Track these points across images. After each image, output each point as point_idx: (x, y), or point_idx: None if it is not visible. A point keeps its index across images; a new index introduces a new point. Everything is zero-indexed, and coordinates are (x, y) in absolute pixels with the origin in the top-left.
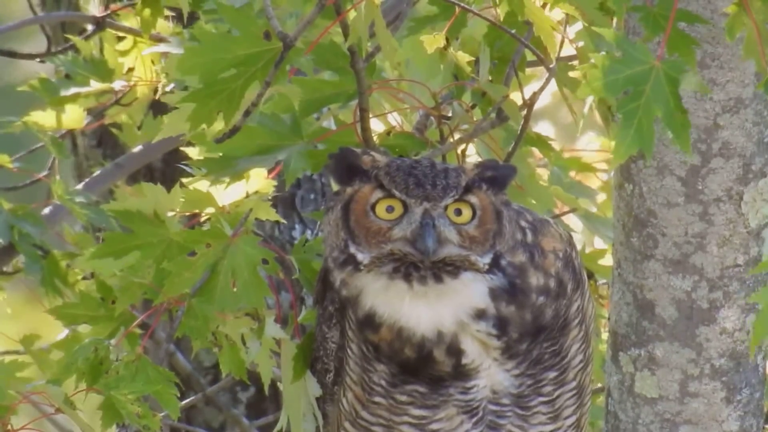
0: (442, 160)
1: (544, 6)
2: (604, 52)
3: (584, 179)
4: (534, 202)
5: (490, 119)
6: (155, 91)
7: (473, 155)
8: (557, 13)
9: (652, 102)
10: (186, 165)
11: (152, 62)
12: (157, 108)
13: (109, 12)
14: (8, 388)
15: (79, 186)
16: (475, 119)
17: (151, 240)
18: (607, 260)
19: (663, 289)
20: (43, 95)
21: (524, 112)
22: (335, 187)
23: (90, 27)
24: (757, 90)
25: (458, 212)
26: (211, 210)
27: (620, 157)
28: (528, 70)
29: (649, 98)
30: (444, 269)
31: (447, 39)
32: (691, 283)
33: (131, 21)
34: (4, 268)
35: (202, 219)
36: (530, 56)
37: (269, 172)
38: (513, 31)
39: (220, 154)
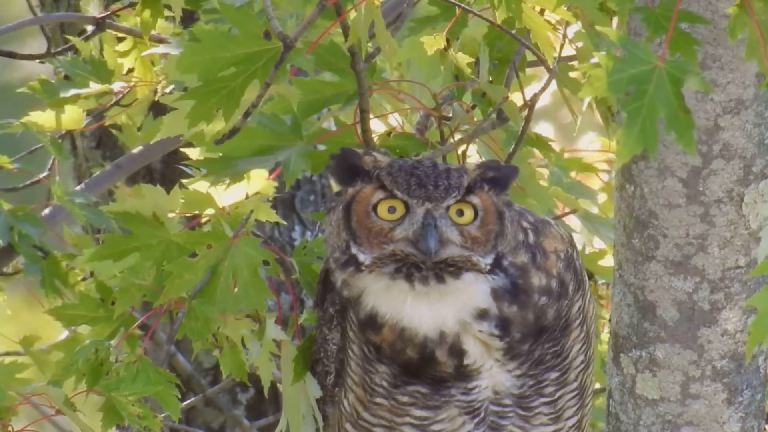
0: (443, 161)
1: (542, 12)
2: (605, 52)
3: (585, 180)
4: (534, 202)
5: (491, 120)
6: (155, 92)
7: (474, 156)
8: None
9: (655, 101)
10: (185, 166)
11: (152, 63)
12: (157, 109)
13: (108, 13)
14: (8, 389)
15: (79, 187)
16: (475, 120)
17: (151, 241)
18: (607, 261)
19: (664, 290)
20: (42, 96)
21: (525, 113)
22: (336, 187)
23: (89, 28)
24: (758, 91)
25: (460, 213)
26: (210, 211)
27: (624, 156)
28: (528, 71)
29: (652, 98)
30: (446, 270)
31: (447, 40)
32: (693, 284)
33: (131, 22)
34: (4, 269)
35: (203, 220)
36: (530, 57)
37: (270, 173)
38: (513, 32)
39: (220, 155)
